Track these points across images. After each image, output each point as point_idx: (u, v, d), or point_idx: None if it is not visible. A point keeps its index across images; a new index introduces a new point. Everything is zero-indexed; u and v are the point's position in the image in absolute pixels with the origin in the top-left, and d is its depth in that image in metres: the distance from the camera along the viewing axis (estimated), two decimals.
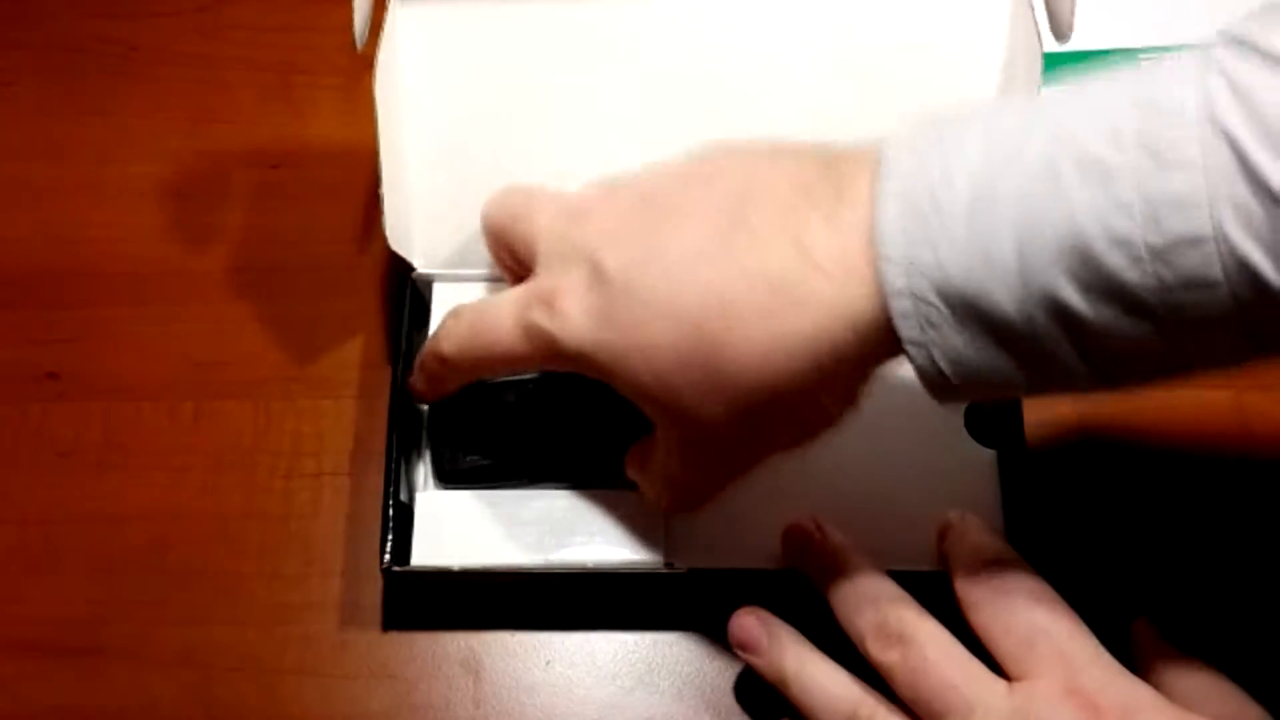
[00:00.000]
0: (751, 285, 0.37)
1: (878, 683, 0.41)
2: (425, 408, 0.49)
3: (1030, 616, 0.40)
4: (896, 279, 0.35)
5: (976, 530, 0.43)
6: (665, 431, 0.41)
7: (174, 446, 0.51)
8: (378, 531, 0.46)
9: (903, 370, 0.37)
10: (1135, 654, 0.41)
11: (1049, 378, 0.36)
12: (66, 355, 0.53)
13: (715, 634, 0.46)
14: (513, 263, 0.44)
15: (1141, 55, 0.59)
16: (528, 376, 0.48)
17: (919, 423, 0.46)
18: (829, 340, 0.36)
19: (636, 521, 0.46)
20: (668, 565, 0.46)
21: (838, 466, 0.46)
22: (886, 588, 0.42)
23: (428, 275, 0.50)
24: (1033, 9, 0.46)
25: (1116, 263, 0.33)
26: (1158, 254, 0.32)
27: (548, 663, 0.47)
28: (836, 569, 0.42)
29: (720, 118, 0.49)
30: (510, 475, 0.47)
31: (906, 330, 0.35)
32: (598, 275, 0.39)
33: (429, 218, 0.50)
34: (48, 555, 0.49)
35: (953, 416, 0.48)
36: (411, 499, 0.47)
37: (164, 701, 0.47)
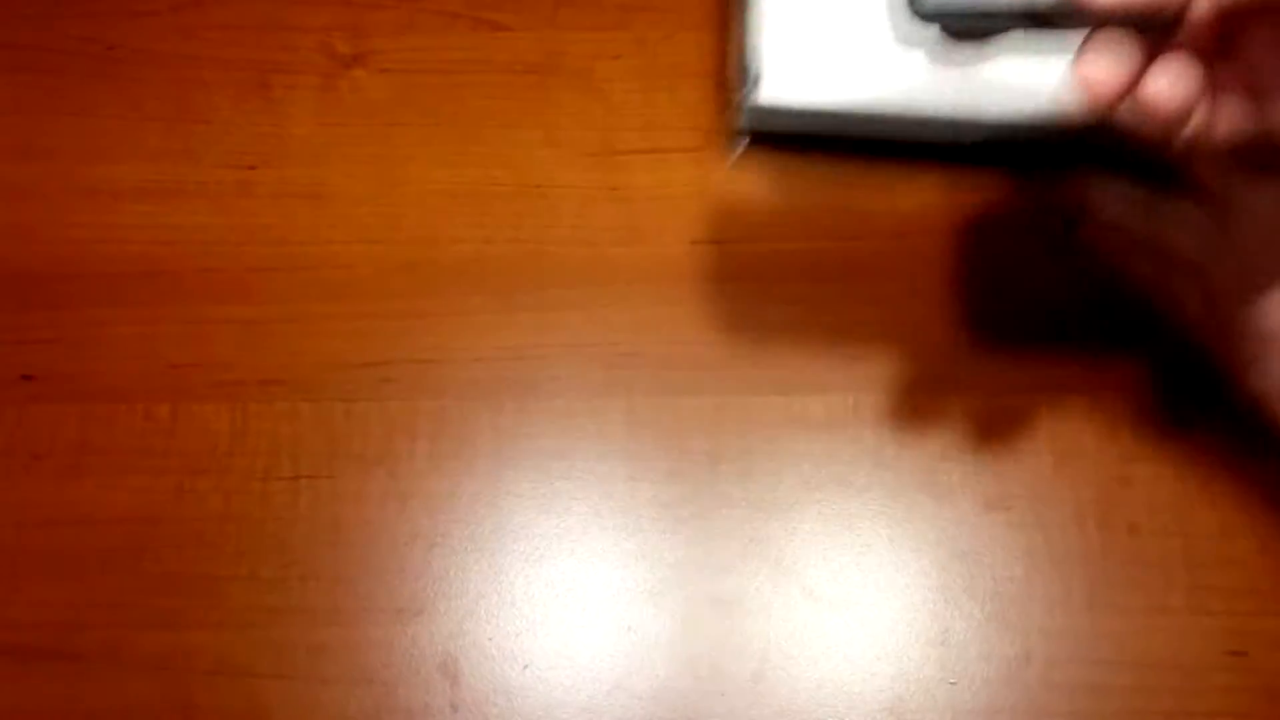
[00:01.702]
0: None
1: None
2: None
3: None
4: None
5: None
6: None
7: (150, 449, 0.51)
8: (355, 535, 0.46)
9: None
10: None
11: None
12: (42, 357, 0.52)
13: (692, 637, 0.47)
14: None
15: None
16: None
17: None
18: None
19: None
20: None
21: None
22: None
23: None
24: None
25: None
26: None
27: (525, 666, 0.47)
28: None
29: None
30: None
31: None
32: None
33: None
34: (23, 559, 0.49)
35: None
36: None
37: (141, 705, 0.47)
